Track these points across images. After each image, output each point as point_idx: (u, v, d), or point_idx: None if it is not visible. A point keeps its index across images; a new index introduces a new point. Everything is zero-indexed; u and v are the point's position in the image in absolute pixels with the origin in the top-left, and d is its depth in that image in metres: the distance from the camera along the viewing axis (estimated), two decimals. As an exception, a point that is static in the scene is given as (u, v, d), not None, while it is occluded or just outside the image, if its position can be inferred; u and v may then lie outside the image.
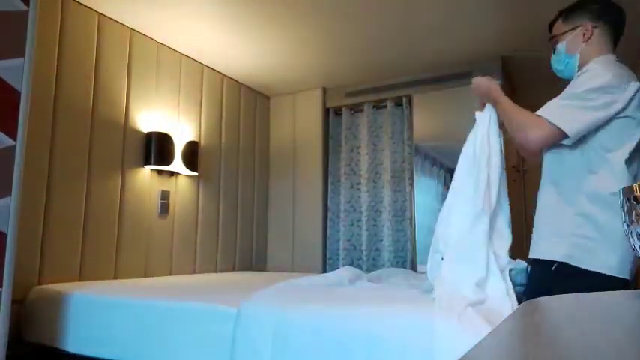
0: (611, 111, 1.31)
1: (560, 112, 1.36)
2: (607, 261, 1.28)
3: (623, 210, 0.62)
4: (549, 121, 1.35)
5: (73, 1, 2.37)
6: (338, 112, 3.75)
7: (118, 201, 2.55)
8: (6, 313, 1.47)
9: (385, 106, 3.54)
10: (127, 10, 2.49)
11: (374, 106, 3.59)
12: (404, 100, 3.46)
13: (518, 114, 1.48)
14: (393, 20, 2.62)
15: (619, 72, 1.36)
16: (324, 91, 3.73)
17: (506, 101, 1.54)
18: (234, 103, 3.52)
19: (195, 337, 1.63)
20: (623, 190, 0.62)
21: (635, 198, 0.60)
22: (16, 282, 1.53)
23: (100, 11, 2.50)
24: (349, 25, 2.67)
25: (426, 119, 3.40)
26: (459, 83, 3.24)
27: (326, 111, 3.75)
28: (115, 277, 2.49)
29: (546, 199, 1.45)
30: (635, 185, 0.60)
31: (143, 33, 2.75)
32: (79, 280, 2.30)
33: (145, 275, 2.67)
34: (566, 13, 1.52)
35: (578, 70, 1.47)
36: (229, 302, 1.64)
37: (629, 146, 1.33)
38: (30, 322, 2.02)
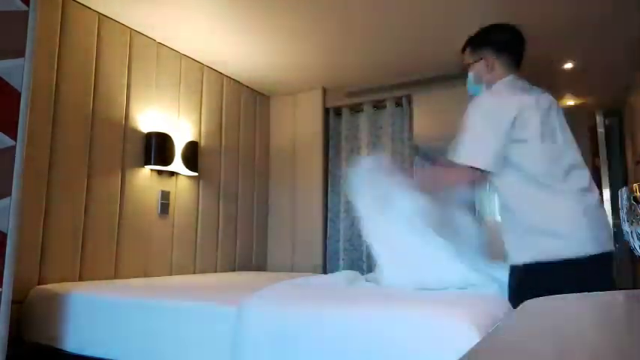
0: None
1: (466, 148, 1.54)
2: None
3: (623, 210, 0.63)
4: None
5: (73, 1, 2.37)
6: (338, 112, 3.74)
7: (118, 201, 2.55)
8: (6, 313, 1.47)
9: (385, 106, 3.54)
10: (127, 10, 2.49)
11: (374, 106, 3.59)
12: (404, 100, 3.46)
13: (433, 179, 1.71)
14: (393, 20, 2.62)
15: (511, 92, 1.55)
16: (324, 91, 3.73)
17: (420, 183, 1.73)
18: (234, 103, 3.52)
19: (195, 337, 1.63)
20: (624, 190, 0.62)
21: (635, 198, 0.60)
22: (16, 282, 1.53)
23: (100, 11, 2.50)
24: (349, 25, 2.67)
25: (425, 119, 3.40)
26: (459, 83, 3.23)
27: (326, 111, 3.75)
28: (115, 277, 2.49)
29: None
30: (636, 185, 0.60)
31: (143, 33, 2.75)
32: (79, 280, 2.30)
33: (145, 275, 2.67)
34: (472, 46, 1.69)
35: None
36: (229, 302, 1.64)
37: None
38: (30, 322, 2.01)
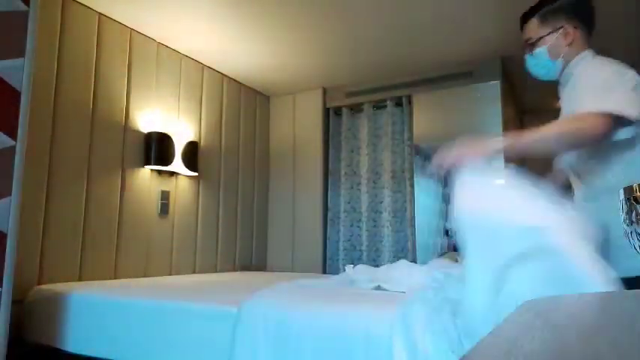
0: None
1: (605, 97, 1.21)
2: None
3: (623, 210, 0.63)
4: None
5: (73, 1, 2.37)
6: (338, 112, 3.74)
7: (118, 201, 2.55)
8: (6, 313, 1.48)
9: (385, 106, 3.54)
10: (127, 10, 2.49)
11: (374, 106, 3.59)
12: (404, 100, 3.46)
13: (557, 128, 1.23)
14: (393, 20, 2.62)
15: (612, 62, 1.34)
16: (324, 91, 3.73)
17: (524, 136, 1.24)
18: (234, 103, 3.52)
19: (195, 337, 1.63)
20: (624, 190, 0.62)
21: (635, 198, 0.60)
22: (16, 282, 1.53)
23: (100, 11, 2.50)
24: (349, 25, 2.67)
25: (426, 119, 3.40)
26: (459, 83, 3.24)
27: (326, 111, 3.75)
28: (115, 277, 2.49)
29: None
30: (635, 185, 0.60)
31: (143, 33, 2.75)
32: (79, 280, 2.30)
33: (145, 275, 2.67)
34: (544, 15, 1.43)
35: (562, 71, 1.44)
36: (229, 302, 1.64)
37: None
38: (30, 322, 2.02)
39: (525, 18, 1.47)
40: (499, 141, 1.25)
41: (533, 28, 1.44)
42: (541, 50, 1.43)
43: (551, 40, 1.42)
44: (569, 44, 1.41)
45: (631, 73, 1.26)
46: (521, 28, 1.50)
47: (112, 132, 2.55)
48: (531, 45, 1.45)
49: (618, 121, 1.19)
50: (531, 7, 1.47)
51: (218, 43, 2.90)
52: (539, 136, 1.23)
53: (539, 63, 1.46)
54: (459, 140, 1.20)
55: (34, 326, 2.00)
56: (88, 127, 2.42)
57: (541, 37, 1.43)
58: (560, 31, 1.41)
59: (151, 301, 1.79)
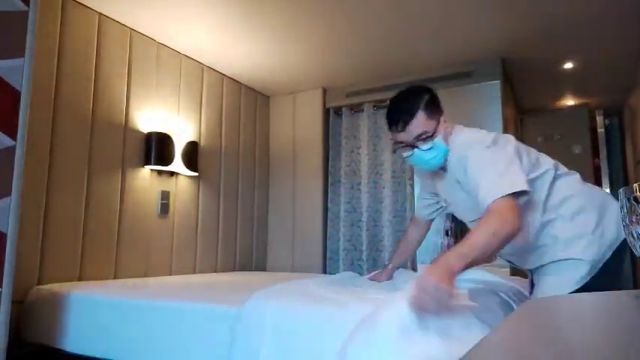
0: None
1: (502, 181, 1.31)
2: None
3: (623, 210, 0.62)
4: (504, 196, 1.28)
5: (73, 1, 2.37)
6: (338, 112, 3.75)
7: (118, 201, 2.55)
8: (6, 313, 1.48)
9: (385, 106, 3.53)
10: (127, 10, 2.49)
11: (374, 106, 3.59)
12: (404, 100, 3.45)
13: (480, 239, 1.24)
14: (393, 20, 2.62)
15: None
16: (324, 91, 3.73)
17: (463, 256, 1.21)
18: (234, 103, 3.52)
19: (195, 337, 1.63)
20: (624, 190, 0.62)
21: (636, 198, 0.60)
22: (16, 282, 1.53)
23: (100, 11, 2.50)
24: (349, 25, 2.67)
25: (426, 119, 3.40)
26: (459, 83, 3.24)
27: (326, 111, 3.75)
28: (115, 277, 2.49)
29: None
30: (635, 185, 0.60)
31: (143, 33, 2.75)
32: (79, 280, 2.30)
33: (145, 275, 2.67)
34: (427, 109, 1.48)
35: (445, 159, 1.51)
36: (229, 302, 1.64)
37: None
38: (30, 322, 2.01)
39: (405, 118, 1.47)
40: (447, 274, 1.17)
41: (423, 122, 1.47)
42: (438, 140, 1.48)
43: (440, 129, 1.49)
44: (446, 129, 1.51)
45: (504, 144, 1.40)
46: (399, 128, 1.49)
47: (112, 132, 2.55)
48: (425, 138, 1.47)
49: (520, 197, 1.30)
50: (412, 101, 1.49)
51: (218, 43, 2.90)
52: (473, 254, 1.22)
53: (439, 153, 1.49)
54: (416, 286, 1.14)
55: (33, 326, 2.00)
56: (88, 127, 2.42)
57: (435, 129, 1.48)
58: (441, 119, 1.51)
59: (151, 302, 1.79)
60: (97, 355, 1.80)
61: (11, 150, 1.50)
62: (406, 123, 1.46)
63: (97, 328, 1.84)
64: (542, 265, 1.50)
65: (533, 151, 1.52)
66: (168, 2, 2.41)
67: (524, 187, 1.28)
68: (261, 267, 3.71)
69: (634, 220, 0.60)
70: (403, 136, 1.49)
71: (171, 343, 1.67)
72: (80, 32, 2.40)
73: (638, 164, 3.49)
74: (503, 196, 1.26)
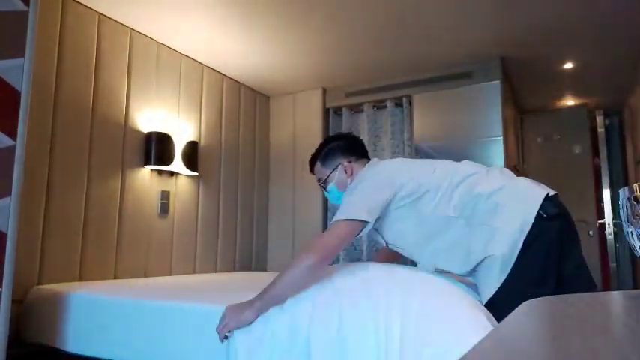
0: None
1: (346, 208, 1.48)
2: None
3: (623, 210, 0.62)
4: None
5: (73, 1, 2.37)
6: (338, 112, 3.75)
7: (118, 201, 2.55)
8: (6, 313, 1.47)
9: (385, 106, 3.54)
10: (127, 10, 2.49)
11: (374, 106, 3.59)
12: (404, 100, 3.46)
13: (282, 276, 1.44)
14: (393, 20, 2.62)
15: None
16: (324, 91, 3.73)
17: (266, 296, 1.44)
18: (234, 103, 3.52)
19: (195, 337, 1.63)
20: (624, 190, 0.62)
21: (636, 198, 0.60)
22: (16, 282, 1.53)
23: (100, 11, 2.50)
24: (349, 25, 2.67)
25: (426, 119, 3.40)
26: (459, 83, 3.24)
27: (326, 111, 3.75)
28: (115, 277, 2.49)
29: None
30: (635, 185, 0.60)
31: (143, 33, 2.75)
32: (79, 280, 2.30)
33: (145, 275, 2.67)
34: (323, 159, 1.72)
35: None
36: (229, 303, 1.63)
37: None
38: (30, 322, 2.02)
39: (311, 164, 1.77)
40: (248, 310, 1.42)
41: (319, 170, 1.74)
42: (331, 186, 1.71)
43: (334, 176, 1.70)
44: (350, 175, 1.68)
45: (375, 180, 1.54)
46: (312, 172, 1.79)
47: (112, 132, 2.55)
48: (324, 184, 1.74)
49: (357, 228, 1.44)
50: (313, 155, 1.77)
51: (218, 43, 2.90)
52: (270, 296, 1.42)
53: (334, 196, 1.72)
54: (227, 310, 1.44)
55: (34, 326, 2.00)
56: (88, 127, 2.42)
57: (327, 177, 1.71)
58: (339, 168, 1.70)
59: (151, 302, 1.79)
60: (97, 355, 1.80)
61: (11, 150, 1.50)
62: (310, 169, 1.78)
63: (97, 328, 1.84)
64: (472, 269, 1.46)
65: (423, 174, 1.53)
66: (168, 2, 2.41)
67: (359, 216, 1.42)
68: (261, 267, 3.71)
69: (634, 220, 0.60)
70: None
71: (171, 343, 1.67)
72: (80, 32, 2.40)
73: (638, 164, 3.50)
74: (340, 220, 1.43)
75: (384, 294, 1.34)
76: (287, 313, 1.42)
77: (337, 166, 1.70)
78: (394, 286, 1.36)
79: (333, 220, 1.47)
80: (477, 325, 1.23)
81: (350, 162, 1.70)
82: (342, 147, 1.72)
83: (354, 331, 1.31)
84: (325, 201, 3.63)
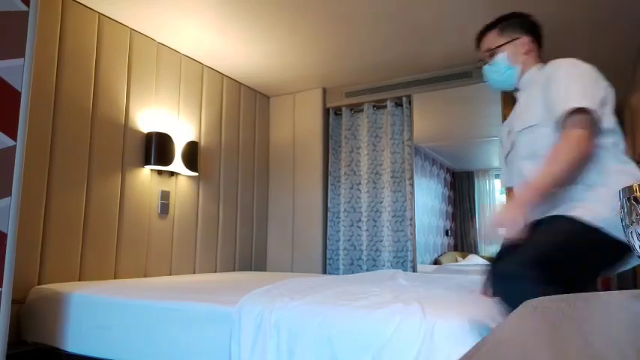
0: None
1: (580, 94, 1.34)
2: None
3: (623, 210, 0.63)
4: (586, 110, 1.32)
5: (73, 1, 2.37)
6: (338, 112, 3.75)
7: (118, 201, 2.55)
8: (6, 313, 1.48)
9: (385, 106, 3.54)
10: (127, 10, 2.49)
11: (374, 106, 3.59)
12: (404, 100, 3.46)
13: (552, 167, 1.33)
14: (393, 21, 2.62)
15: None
16: (324, 91, 3.74)
17: (540, 185, 1.33)
18: (234, 103, 3.52)
19: (195, 338, 1.63)
20: (624, 190, 0.62)
21: (635, 198, 0.60)
22: (16, 282, 1.54)
23: (100, 11, 2.50)
24: (349, 25, 2.67)
25: (426, 119, 3.40)
26: (459, 83, 3.24)
27: (326, 111, 3.75)
28: (115, 277, 2.49)
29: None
30: (635, 185, 0.60)
31: (143, 33, 2.75)
32: (79, 280, 2.30)
33: (145, 275, 2.67)
34: (502, 26, 1.60)
35: (519, 78, 1.58)
36: (229, 302, 1.64)
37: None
38: (30, 322, 2.01)
39: (483, 33, 1.65)
40: (525, 200, 1.33)
41: (492, 39, 1.61)
42: (501, 56, 1.59)
43: (509, 48, 1.58)
44: (526, 53, 1.57)
45: (595, 78, 1.41)
46: (478, 44, 1.67)
47: (112, 132, 2.55)
48: (491, 54, 1.61)
49: (594, 127, 1.34)
50: (487, 24, 1.65)
51: (218, 43, 2.90)
52: (551, 179, 1.33)
53: (499, 70, 1.60)
54: (495, 211, 1.36)
55: (34, 326, 2.00)
56: (88, 127, 2.42)
57: (500, 46, 1.59)
58: (518, 41, 1.58)
59: (151, 302, 1.79)
60: (97, 355, 1.80)
61: (11, 150, 1.50)
62: (479, 40, 1.64)
63: (97, 328, 1.84)
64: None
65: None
66: (168, 2, 2.41)
67: (594, 106, 1.30)
68: (261, 267, 3.71)
69: (634, 220, 0.60)
70: (480, 53, 1.64)
71: (171, 343, 1.67)
72: (80, 32, 2.40)
73: (638, 164, 3.50)
74: (577, 111, 1.30)
75: None
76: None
77: (516, 39, 1.57)
78: None
79: (568, 106, 1.32)
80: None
81: (532, 41, 1.57)
82: (527, 25, 1.60)
83: None
84: (325, 201, 3.63)
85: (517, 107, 1.61)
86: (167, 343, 1.68)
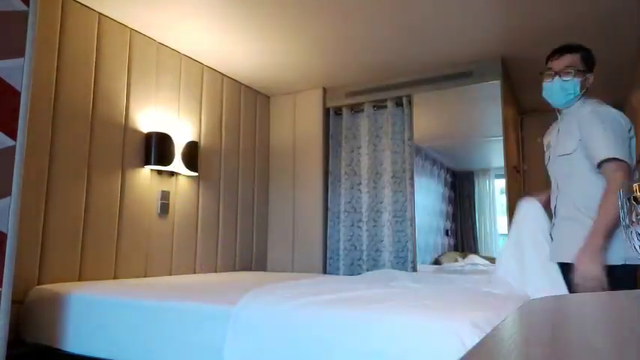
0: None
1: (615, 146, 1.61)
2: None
3: (623, 210, 0.62)
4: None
5: (73, 1, 2.37)
6: (338, 112, 3.74)
7: (118, 201, 2.55)
8: (6, 313, 1.47)
9: (385, 106, 3.54)
10: (127, 10, 2.49)
11: (374, 106, 3.59)
12: (404, 100, 3.46)
13: (610, 211, 1.57)
14: (393, 20, 2.62)
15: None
16: (324, 91, 3.73)
17: (602, 227, 1.57)
18: (234, 103, 3.52)
19: (195, 337, 1.63)
20: (624, 190, 0.62)
21: (635, 198, 0.60)
22: (16, 282, 1.54)
23: (100, 11, 2.50)
24: (349, 25, 2.67)
25: (426, 119, 3.40)
26: (459, 83, 3.24)
27: (326, 111, 3.75)
28: (115, 277, 2.49)
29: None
30: (635, 185, 0.60)
31: (143, 33, 2.75)
32: (79, 280, 2.30)
33: (145, 275, 2.67)
34: (584, 55, 1.77)
35: (571, 105, 1.79)
36: (228, 302, 1.64)
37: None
38: (30, 322, 2.01)
39: (568, 50, 1.78)
40: (596, 249, 1.56)
41: (576, 60, 1.76)
42: (576, 80, 1.75)
43: (582, 77, 1.75)
44: (587, 88, 1.77)
45: (625, 121, 1.69)
46: (559, 55, 1.78)
47: (112, 132, 2.55)
48: (567, 72, 1.75)
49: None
50: (571, 44, 1.80)
51: (218, 43, 2.90)
52: (611, 221, 1.55)
53: (567, 89, 1.76)
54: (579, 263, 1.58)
55: (33, 326, 2.00)
56: (88, 127, 2.42)
57: (580, 71, 1.75)
58: (590, 76, 1.78)
59: (151, 301, 1.79)
60: (97, 355, 1.80)
61: (11, 150, 1.50)
62: (563, 52, 1.77)
63: (97, 328, 1.84)
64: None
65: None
66: (168, 2, 2.41)
67: (625, 159, 1.58)
68: (262, 267, 3.71)
69: (634, 220, 0.60)
70: (556, 64, 1.77)
71: (171, 342, 1.67)
72: (80, 32, 2.40)
73: (638, 164, 3.49)
74: (614, 159, 1.57)
75: None
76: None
77: (588, 76, 1.77)
78: None
79: (606, 155, 1.59)
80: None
81: (590, 83, 1.78)
82: (593, 64, 1.81)
83: None
84: (325, 201, 3.63)
85: (559, 128, 1.83)
86: (167, 343, 1.68)
